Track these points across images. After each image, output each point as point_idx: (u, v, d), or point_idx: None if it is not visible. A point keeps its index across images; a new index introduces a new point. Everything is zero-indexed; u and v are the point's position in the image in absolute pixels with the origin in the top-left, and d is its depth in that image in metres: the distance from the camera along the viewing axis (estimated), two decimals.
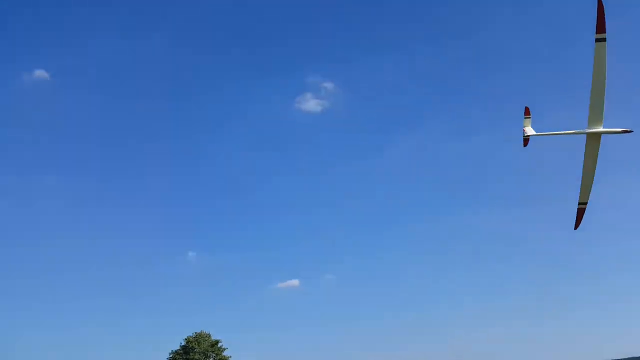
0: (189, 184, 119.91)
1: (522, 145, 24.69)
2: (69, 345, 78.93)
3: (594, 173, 23.98)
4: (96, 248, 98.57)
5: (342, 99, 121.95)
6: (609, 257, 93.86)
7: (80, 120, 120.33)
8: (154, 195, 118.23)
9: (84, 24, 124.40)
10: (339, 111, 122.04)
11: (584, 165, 23.75)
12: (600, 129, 22.65)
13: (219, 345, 45.63)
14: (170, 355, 45.30)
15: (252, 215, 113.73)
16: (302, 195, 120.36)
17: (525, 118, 24.76)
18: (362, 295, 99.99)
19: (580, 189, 24.55)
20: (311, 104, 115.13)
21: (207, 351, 44.61)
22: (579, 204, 25.29)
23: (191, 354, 43.78)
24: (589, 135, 22.99)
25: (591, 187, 24.38)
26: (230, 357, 46.09)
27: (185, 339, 44.90)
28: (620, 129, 22.92)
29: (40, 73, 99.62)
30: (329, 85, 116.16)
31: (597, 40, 20.83)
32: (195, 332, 45.40)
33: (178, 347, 45.15)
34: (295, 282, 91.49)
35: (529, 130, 24.54)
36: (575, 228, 26.08)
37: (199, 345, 44.10)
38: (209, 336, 45.67)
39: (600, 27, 20.54)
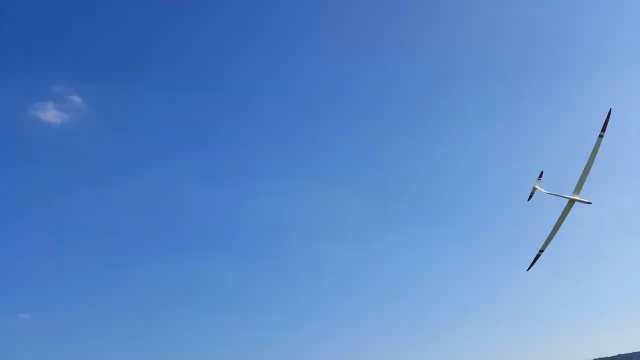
0: None
1: (527, 199, 30.70)
2: None
3: (559, 228, 29.41)
4: None
5: (88, 117, 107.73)
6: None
7: None
8: None
9: None
10: (80, 130, 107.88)
11: (558, 220, 29.00)
12: (578, 197, 28.45)
13: None
14: None
15: None
16: None
17: (538, 179, 30.52)
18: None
19: (547, 239, 29.70)
20: (50, 114, 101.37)
21: None
22: (540, 251, 30.25)
23: None
24: (571, 200, 28.62)
25: (553, 238, 29.70)
26: None
27: None
28: (586, 200, 28.64)
29: None
30: (76, 99, 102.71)
31: (600, 136, 27.32)
32: None
33: None
34: None
35: (539, 188, 30.34)
36: (528, 270, 31.25)
37: None
38: None
39: (605, 127, 27.12)
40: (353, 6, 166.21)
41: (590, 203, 28.92)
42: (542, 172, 30.86)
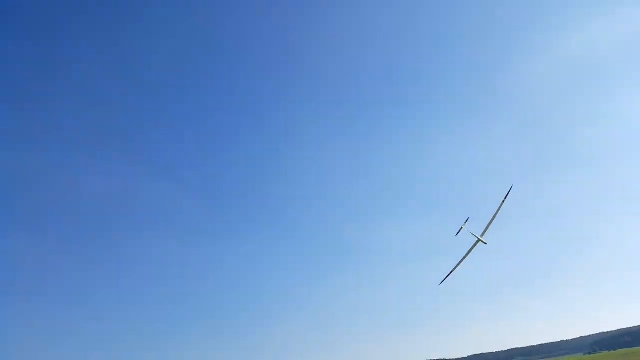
0: None
1: (455, 234, 39.92)
2: None
3: (466, 257, 39.76)
4: None
5: None
6: None
7: None
8: None
9: None
10: None
11: (467, 252, 39.46)
12: (482, 238, 39.77)
13: None
14: None
15: None
16: None
17: (465, 222, 40.81)
18: None
19: (456, 265, 40.39)
20: None
21: None
22: (450, 272, 41.12)
23: None
24: (477, 240, 39.77)
25: (460, 264, 40.14)
26: None
27: None
28: (484, 241, 39.61)
29: None
30: None
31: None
32: None
33: None
34: None
35: (464, 227, 40.81)
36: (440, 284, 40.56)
37: None
38: None
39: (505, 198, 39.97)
40: None
41: (486, 244, 39.56)
42: (468, 217, 41.47)
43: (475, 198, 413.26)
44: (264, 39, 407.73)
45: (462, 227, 40.92)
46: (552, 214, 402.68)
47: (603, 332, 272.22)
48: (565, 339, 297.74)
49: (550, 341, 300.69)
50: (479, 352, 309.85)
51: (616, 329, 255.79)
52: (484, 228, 38.86)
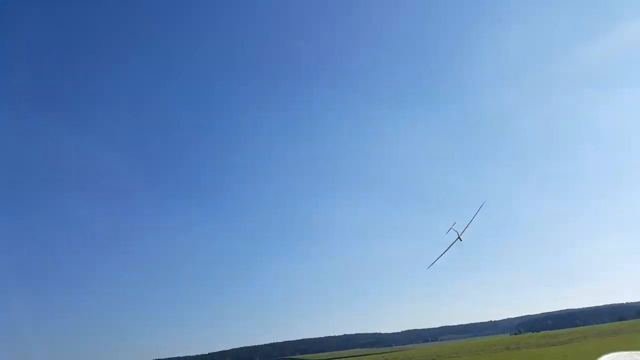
0: None
1: (445, 232, 48.34)
2: None
3: (449, 248, 47.95)
4: None
5: None
6: None
7: None
8: None
9: None
10: None
11: (450, 244, 47.61)
12: (460, 236, 47.37)
13: None
14: None
15: None
16: None
17: (454, 224, 48.44)
18: None
19: (442, 253, 48.57)
20: None
21: None
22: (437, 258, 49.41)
23: None
24: (459, 237, 47.40)
25: (444, 254, 48.67)
26: None
27: None
28: (461, 238, 47.56)
29: None
30: None
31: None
32: None
33: None
34: None
35: (453, 227, 48.27)
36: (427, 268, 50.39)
37: None
38: None
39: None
40: None
41: (461, 240, 47.41)
42: (455, 222, 48.84)
43: (416, 181, 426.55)
44: None
45: (450, 228, 50.19)
46: (486, 204, 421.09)
47: (528, 315, 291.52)
48: (493, 320, 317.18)
49: (480, 321, 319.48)
50: (412, 328, 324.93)
51: (540, 312, 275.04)
52: (462, 229, 48.08)
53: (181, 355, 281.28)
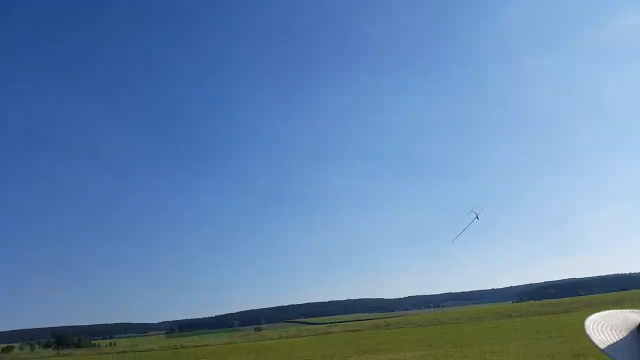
0: None
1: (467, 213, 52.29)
2: None
3: (470, 224, 51.60)
4: None
5: None
6: None
7: None
8: None
9: None
10: None
11: (471, 221, 51.70)
12: (477, 215, 51.28)
13: None
14: None
15: None
16: None
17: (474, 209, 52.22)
18: None
19: (464, 229, 53.18)
20: None
21: None
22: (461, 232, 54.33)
23: None
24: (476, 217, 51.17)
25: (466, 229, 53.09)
26: None
27: None
28: (478, 217, 51.37)
29: None
30: None
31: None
32: None
33: None
34: None
35: (473, 211, 51.44)
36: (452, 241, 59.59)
37: None
38: None
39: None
40: None
41: (478, 219, 51.29)
42: (482, 208, 53.20)
43: (415, 154, 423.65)
44: None
45: (472, 211, 56.22)
46: (489, 171, 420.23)
47: (531, 284, 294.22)
48: (495, 288, 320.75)
49: (482, 289, 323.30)
50: (414, 294, 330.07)
51: (542, 281, 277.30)
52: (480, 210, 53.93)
53: (189, 317, 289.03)
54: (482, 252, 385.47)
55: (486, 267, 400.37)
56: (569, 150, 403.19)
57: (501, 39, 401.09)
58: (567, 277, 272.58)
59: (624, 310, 1.94)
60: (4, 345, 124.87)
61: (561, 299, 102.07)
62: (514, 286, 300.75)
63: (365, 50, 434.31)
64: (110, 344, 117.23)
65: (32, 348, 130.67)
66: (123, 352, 57.55)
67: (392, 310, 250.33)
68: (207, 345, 53.67)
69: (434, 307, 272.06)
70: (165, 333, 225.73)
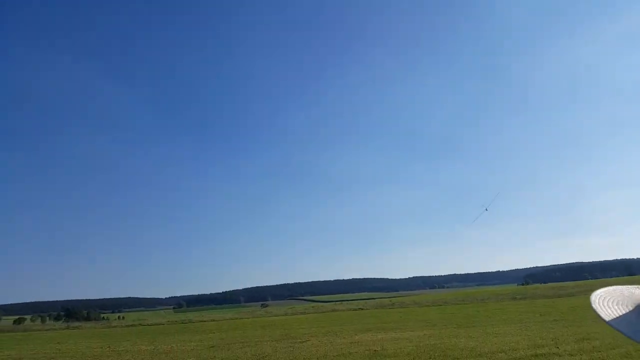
0: None
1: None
2: None
3: (483, 212, 65.46)
4: None
5: None
6: None
7: None
8: None
9: None
10: None
11: (485, 210, 67.47)
12: (487, 208, 67.47)
13: None
14: None
15: None
16: None
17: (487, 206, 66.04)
18: None
19: (478, 215, 58.10)
20: None
21: None
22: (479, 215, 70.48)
23: None
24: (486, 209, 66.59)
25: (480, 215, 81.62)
26: None
27: None
28: (487, 210, 69.78)
29: None
30: None
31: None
32: None
33: None
34: None
35: (486, 208, 66.23)
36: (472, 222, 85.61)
37: None
38: None
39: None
40: None
41: (487, 210, 63.24)
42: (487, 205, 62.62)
43: (420, 135, 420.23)
44: None
45: (485, 209, 66.63)
46: (496, 154, 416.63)
47: (536, 266, 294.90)
48: (500, 270, 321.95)
49: (487, 271, 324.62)
50: (419, 275, 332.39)
51: (548, 264, 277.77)
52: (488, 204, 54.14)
53: (196, 293, 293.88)
54: (489, 233, 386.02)
55: (492, 249, 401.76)
56: (579, 133, 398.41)
57: (513, 18, 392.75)
58: (573, 261, 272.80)
59: (630, 286, 1.97)
60: (16, 317, 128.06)
61: (566, 283, 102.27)
62: (520, 269, 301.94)
63: (377, 30, 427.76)
64: (119, 317, 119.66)
65: (43, 320, 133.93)
66: (132, 325, 58.78)
67: (397, 290, 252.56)
68: (213, 321, 54.56)
69: (438, 287, 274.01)
70: (173, 308, 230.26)
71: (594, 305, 1.78)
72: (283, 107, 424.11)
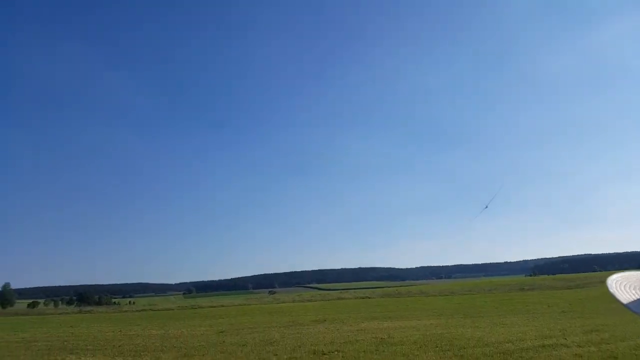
0: None
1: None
2: None
3: (484, 209, 66.49)
4: None
5: None
6: None
7: None
8: None
9: None
10: None
11: (485, 207, 68.28)
12: (487, 206, 67.37)
13: None
14: None
15: None
16: None
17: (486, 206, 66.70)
18: None
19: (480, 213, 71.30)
20: None
21: None
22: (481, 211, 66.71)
23: None
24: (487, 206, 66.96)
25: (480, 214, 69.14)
26: None
27: None
28: (486, 207, 68.31)
29: None
30: None
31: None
32: None
33: None
34: None
35: (487, 206, 66.21)
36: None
37: None
38: None
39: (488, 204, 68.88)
40: None
41: (487, 207, 65.23)
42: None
43: (431, 122, 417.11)
44: None
45: (486, 206, 67.12)
46: (503, 145, 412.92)
47: (544, 258, 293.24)
48: (508, 261, 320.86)
49: (495, 261, 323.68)
50: (426, 265, 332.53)
51: (557, 256, 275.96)
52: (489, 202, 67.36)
53: (205, 279, 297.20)
54: (497, 224, 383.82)
55: (500, 240, 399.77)
56: (591, 123, 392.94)
57: (526, 4, 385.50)
58: (583, 253, 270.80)
59: None
60: (30, 301, 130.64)
61: (575, 274, 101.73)
62: (528, 260, 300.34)
63: (390, 17, 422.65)
64: (129, 302, 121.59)
65: (56, 304, 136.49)
66: (142, 310, 59.64)
67: (404, 280, 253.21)
68: (222, 306, 55.26)
69: (445, 277, 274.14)
70: (183, 294, 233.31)
71: (611, 290, 1.76)
72: (299, 91, 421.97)
